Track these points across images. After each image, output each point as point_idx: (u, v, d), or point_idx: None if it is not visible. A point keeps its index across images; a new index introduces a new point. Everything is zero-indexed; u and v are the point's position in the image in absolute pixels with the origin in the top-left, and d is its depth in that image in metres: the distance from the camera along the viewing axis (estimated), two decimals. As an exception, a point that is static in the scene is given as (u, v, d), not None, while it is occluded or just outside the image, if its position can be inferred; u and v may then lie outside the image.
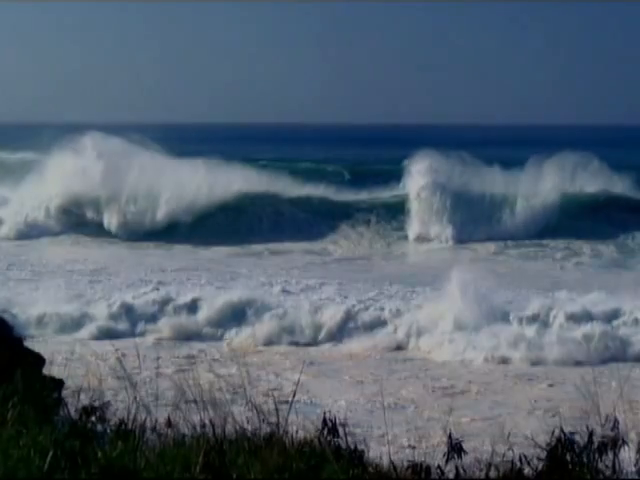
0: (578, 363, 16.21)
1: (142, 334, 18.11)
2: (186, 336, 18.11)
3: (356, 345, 17.57)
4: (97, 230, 33.68)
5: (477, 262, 28.30)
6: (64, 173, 35.58)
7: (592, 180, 35.02)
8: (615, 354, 16.66)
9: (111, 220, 33.71)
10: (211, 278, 23.26)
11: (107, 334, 18.01)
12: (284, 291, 21.17)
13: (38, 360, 6.86)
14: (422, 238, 32.33)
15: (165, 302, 19.39)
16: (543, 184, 34.49)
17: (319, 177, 37.48)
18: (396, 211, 33.90)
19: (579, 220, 32.54)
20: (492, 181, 34.93)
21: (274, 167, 39.14)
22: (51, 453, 4.33)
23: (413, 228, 32.87)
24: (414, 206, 33.55)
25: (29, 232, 33.50)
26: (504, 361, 16.43)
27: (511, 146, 70.62)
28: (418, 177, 34.17)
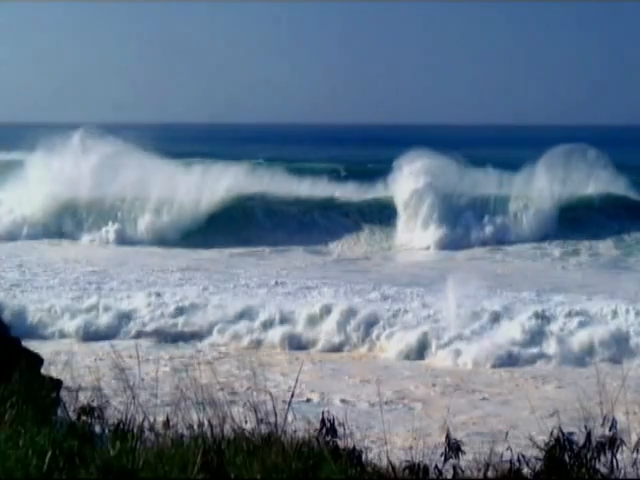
0: (579, 364, 16.19)
1: (141, 336, 18.04)
2: (185, 338, 18.09)
3: (357, 346, 17.55)
4: (90, 233, 33.36)
5: (476, 264, 28.22)
6: (57, 173, 35.45)
7: (589, 179, 34.62)
8: (615, 355, 16.62)
9: (107, 222, 33.35)
10: (210, 279, 23.23)
11: (105, 335, 17.99)
12: (284, 292, 21.18)
13: (36, 360, 6.85)
14: (410, 242, 31.88)
15: (164, 304, 19.38)
16: (539, 185, 34.21)
17: (317, 176, 37.28)
18: (394, 210, 33.75)
19: (578, 221, 32.39)
20: (486, 182, 34.61)
21: (270, 166, 38.79)
22: (49, 453, 4.32)
23: (401, 232, 32.47)
24: (403, 210, 33.14)
25: (19, 233, 33.30)
26: (504, 363, 16.39)
27: (510, 146, 70.57)
28: (408, 180, 33.66)
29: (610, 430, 4.17)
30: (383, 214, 33.67)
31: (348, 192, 35.45)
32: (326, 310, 18.51)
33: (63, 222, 33.84)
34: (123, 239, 32.58)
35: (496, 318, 17.91)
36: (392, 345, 17.25)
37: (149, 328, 18.40)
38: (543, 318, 17.90)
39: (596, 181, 34.57)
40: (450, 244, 31.10)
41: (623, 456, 4.17)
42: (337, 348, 17.59)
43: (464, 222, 32.15)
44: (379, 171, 36.64)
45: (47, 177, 35.50)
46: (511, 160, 37.74)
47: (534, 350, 16.74)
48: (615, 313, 18.07)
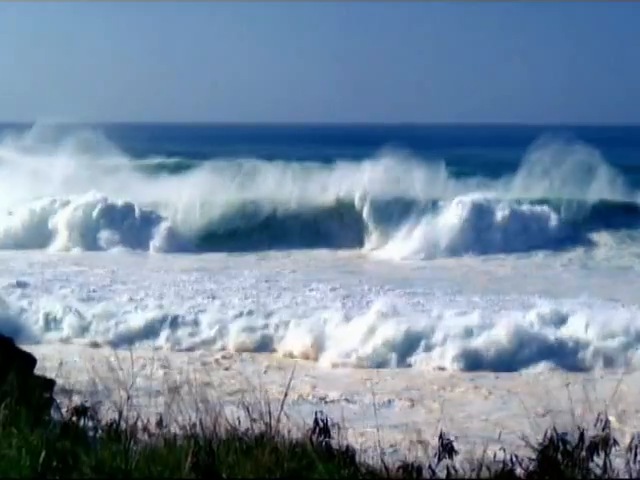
0: (574, 368, 16.15)
1: (136, 339, 17.88)
2: (180, 340, 17.97)
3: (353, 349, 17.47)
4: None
5: (466, 270, 27.95)
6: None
7: (579, 178, 33.88)
8: (611, 359, 16.57)
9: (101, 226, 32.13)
10: (201, 285, 23.08)
11: (99, 338, 17.89)
12: (281, 296, 21.17)
13: (29, 360, 6.85)
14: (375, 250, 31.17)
15: (159, 306, 19.30)
16: (527, 187, 33.83)
17: (309, 175, 36.63)
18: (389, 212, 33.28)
19: (571, 221, 32.16)
20: (472, 185, 33.83)
21: (261, 165, 37.68)
22: (43, 453, 4.33)
23: (368, 240, 31.99)
24: (367, 216, 32.73)
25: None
26: (498, 366, 16.35)
27: (510, 146, 70.41)
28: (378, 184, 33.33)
29: (603, 430, 4.18)
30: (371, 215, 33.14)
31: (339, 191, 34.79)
32: (322, 315, 18.45)
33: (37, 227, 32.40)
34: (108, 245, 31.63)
35: (491, 320, 17.87)
36: (386, 347, 17.17)
37: (143, 330, 18.30)
38: (538, 322, 17.90)
39: (587, 180, 33.99)
40: (438, 251, 30.20)
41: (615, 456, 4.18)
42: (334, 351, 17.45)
43: (452, 228, 31.16)
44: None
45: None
46: (500, 160, 37.57)
47: (530, 353, 16.69)
48: (610, 317, 18.10)
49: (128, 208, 32.79)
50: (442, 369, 16.29)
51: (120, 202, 32.90)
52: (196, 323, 18.36)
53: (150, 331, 18.20)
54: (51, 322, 18.48)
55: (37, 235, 31.74)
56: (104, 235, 31.69)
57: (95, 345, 17.51)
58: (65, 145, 37.48)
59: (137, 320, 18.54)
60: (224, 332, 18.01)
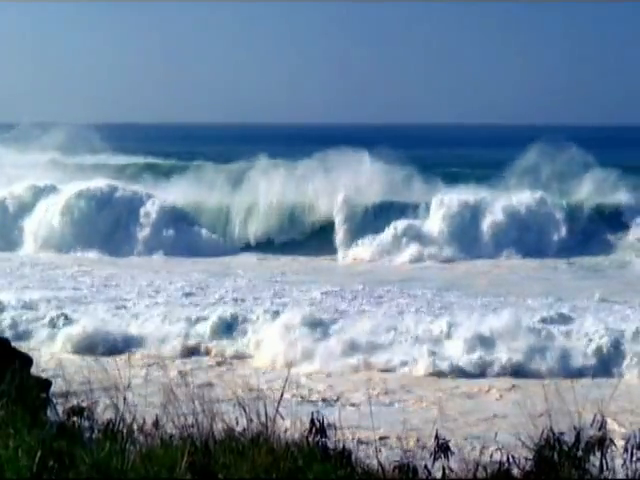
0: (571, 373, 16.11)
1: (132, 342, 17.79)
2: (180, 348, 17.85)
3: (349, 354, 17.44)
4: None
5: (461, 274, 27.82)
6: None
7: (573, 179, 33.61)
8: (608, 364, 16.54)
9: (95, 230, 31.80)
10: (192, 290, 23.00)
11: (94, 343, 17.82)
12: (282, 300, 21.19)
13: (26, 360, 6.85)
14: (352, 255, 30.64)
15: (154, 315, 19.27)
16: (518, 189, 33.47)
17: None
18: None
19: (570, 225, 31.92)
20: (464, 188, 33.23)
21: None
22: (39, 453, 4.33)
23: (340, 243, 31.55)
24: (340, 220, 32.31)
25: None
26: (496, 371, 16.31)
27: (510, 147, 70.43)
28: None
29: (600, 431, 4.18)
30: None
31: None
32: (318, 317, 18.45)
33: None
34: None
35: (490, 322, 17.84)
36: (383, 349, 17.15)
37: (141, 332, 18.26)
38: (537, 323, 17.88)
39: (586, 180, 33.67)
40: (434, 252, 29.89)
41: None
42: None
43: (448, 228, 30.92)
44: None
45: None
46: (498, 160, 37.43)
47: (529, 355, 16.66)
48: (610, 318, 18.10)
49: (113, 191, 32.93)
50: (440, 370, 16.26)
51: (110, 189, 32.91)
52: (191, 325, 18.32)
53: (148, 333, 18.17)
54: (47, 324, 18.45)
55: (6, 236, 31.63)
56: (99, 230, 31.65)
57: (91, 347, 17.43)
58: (47, 144, 37.52)
59: (134, 322, 18.53)
60: (220, 334, 18.00)
